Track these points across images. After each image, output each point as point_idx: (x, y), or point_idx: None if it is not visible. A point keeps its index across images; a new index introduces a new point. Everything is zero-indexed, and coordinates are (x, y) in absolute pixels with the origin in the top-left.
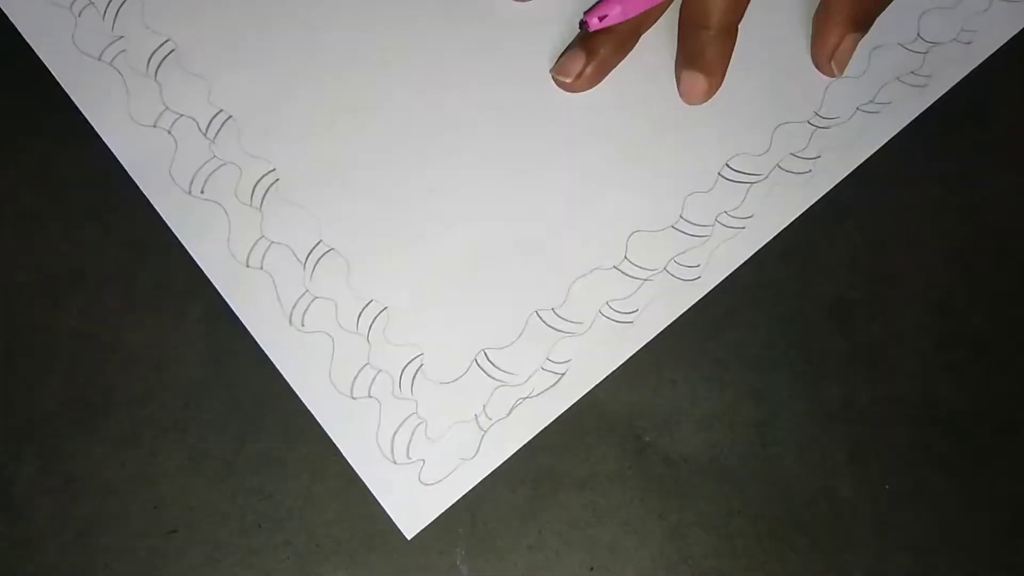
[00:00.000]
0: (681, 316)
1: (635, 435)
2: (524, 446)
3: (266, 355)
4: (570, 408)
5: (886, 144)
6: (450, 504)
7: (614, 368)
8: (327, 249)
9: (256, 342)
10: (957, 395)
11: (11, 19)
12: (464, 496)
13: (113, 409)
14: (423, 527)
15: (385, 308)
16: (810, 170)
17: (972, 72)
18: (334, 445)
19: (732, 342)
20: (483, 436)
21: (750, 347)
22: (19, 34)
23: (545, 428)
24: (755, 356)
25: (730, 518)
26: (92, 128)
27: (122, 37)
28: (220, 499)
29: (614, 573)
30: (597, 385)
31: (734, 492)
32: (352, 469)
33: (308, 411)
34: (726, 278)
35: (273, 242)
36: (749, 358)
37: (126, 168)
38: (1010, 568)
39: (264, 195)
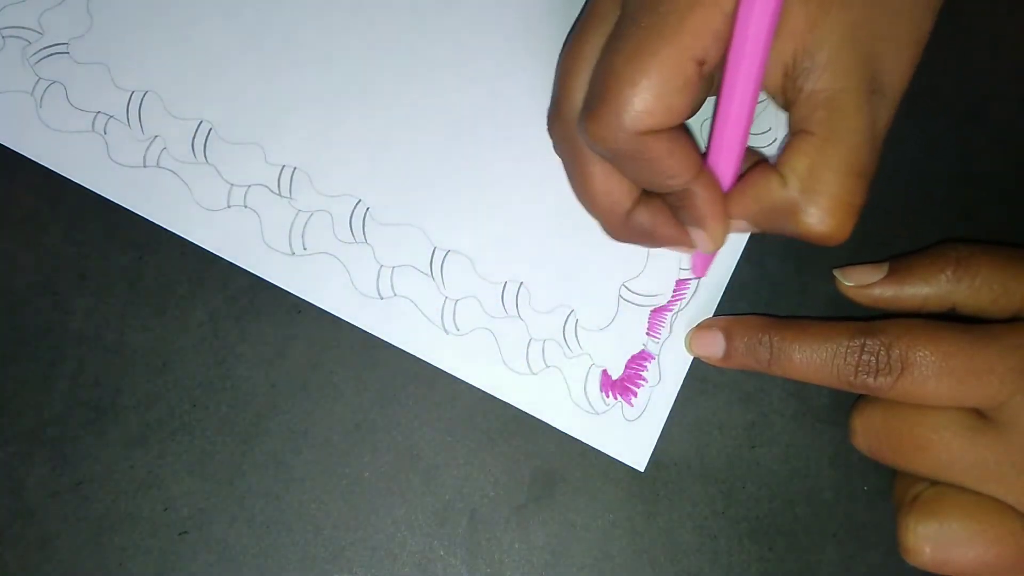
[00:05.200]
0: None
1: None
2: (521, 448)
3: (270, 355)
4: None
5: (885, 141)
6: (660, 429)
7: (740, 253)
8: (445, 252)
9: (261, 340)
10: None
11: (45, 165)
12: (463, 496)
13: (120, 411)
14: (648, 457)
15: (521, 283)
16: None
17: (970, 72)
18: (339, 446)
19: None
20: (659, 360)
21: None
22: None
23: (542, 431)
24: None
25: (714, 519)
26: None
27: (157, 136)
28: (228, 500)
29: (604, 571)
30: None
31: (720, 493)
32: (355, 470)
33: (312, 412)
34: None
35: (394, 267)
36: None
37: (221, 255)
38: None
39: (363, 227)
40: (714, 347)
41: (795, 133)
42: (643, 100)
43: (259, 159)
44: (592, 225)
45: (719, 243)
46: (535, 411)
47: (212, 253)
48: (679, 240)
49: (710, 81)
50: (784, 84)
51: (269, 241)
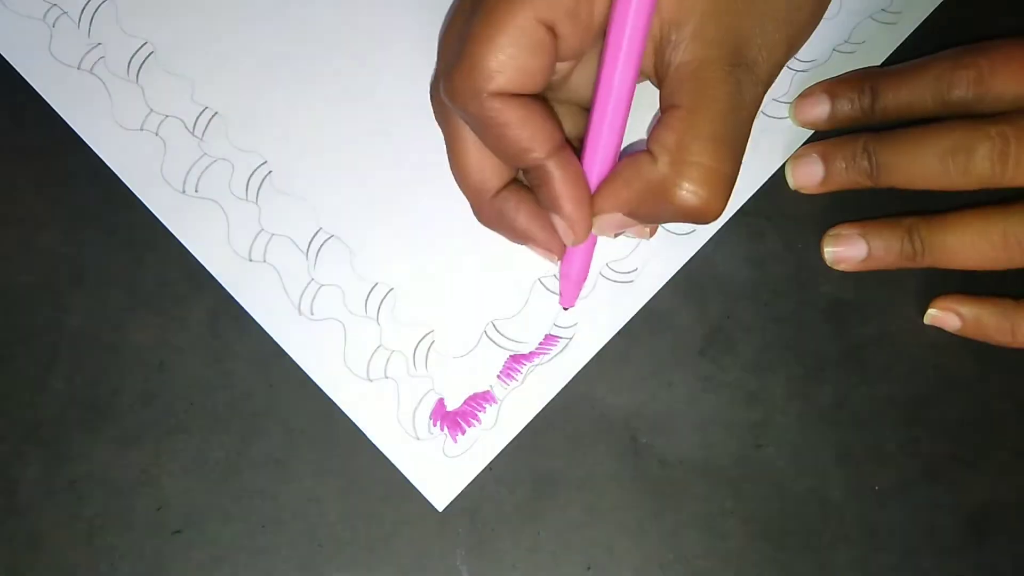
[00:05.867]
0: (678, 319)
1: (631, 437)
2: (523, 448)
3: (268, 355)
4: (568, 410)
5: None
6: (475, 474)
7: (618, 329)
8: (327, 236)
9: (260, 340)
10: (948, 397)
11: None
12: (464, 497)
13: (116, 410)
14: (452, 499)
15: (391, 289)
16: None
17: (942, 6)
18: (337, 446)
19: (728, 344)
20: (500, 405)
21: (746, 349)
22: None
23: (543, 430)
24: (751, 358)
25: (723, 519)
26: None
27: (100, 44)
28: (224, 500)
29: (610, 573)
30: (595, 386)
31: (727, 493)
32: (354, 470)
33: (309, 411)
34: (724, 281)
35: (273, 234)
36: (745, 360)
37: (117, 173)
38: (993, 569)
39: (259, 188)
40: (813, 174)
41: (664, 109)
42: (495, 58)
43: (186, 95)
44: (484, 252)
45: (579, 231)
46: (355, 417)
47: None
48: (539, 235)
49: (583, 62)
50: (655, 61)
51: (166, 174)
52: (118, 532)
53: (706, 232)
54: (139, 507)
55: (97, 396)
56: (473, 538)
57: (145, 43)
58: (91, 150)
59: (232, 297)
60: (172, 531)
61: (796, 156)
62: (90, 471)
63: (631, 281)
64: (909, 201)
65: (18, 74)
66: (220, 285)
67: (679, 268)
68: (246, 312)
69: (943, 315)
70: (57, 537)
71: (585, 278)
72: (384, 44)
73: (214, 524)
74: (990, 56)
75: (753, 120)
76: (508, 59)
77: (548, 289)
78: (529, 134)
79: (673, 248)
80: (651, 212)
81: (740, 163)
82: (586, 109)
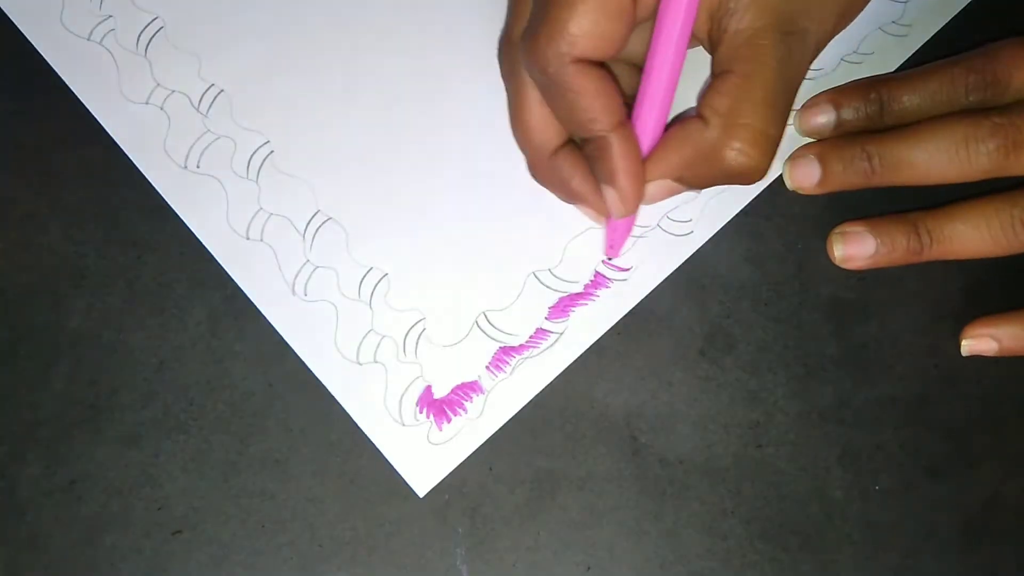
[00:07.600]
0: (677, 318)
1: (631, 436)
2: (523, 448)
3: (268, 355)
4: (568, 410)
5: None
6: (458, 463)
7: (609, 327)
8: (325, 219)
9: (260, 340)
10: (948, 396)
11: None
12: (464, 496)
13: (116, 410)
14: (433, 486)
15: (385, 274)
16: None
17: (952, 23)
18: (336, 446)
19: (728, 344)
20: (487, 396)
21: (746, 348)
22: (7, 18)
23: (543, 430)
24: (750, 358)
25: (724, 519)
26: (92, 126)
27: (111, 16)
28: (223, 500)
29: (610, 573)
30: (595, 386)
31: (728, 493)
32: (354, 470)
33: (310, 411)
34: (724, 281)
35: (272, 214)
36: (745, 360)
37: (121, 145)
38: (993, 569)
39: (260, 167)
40: (810, 175)
41: (716, 75)
42: (579, 24)
43: (193, 71)
44: (479, 243)
45: (630, 205)
46: (342, 399)
47: (211, 253)
48: (590, 196)
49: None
50: (710, 27)
51: (169, 148)
52: (118, 532)
53: (700, 233)
54: (139, 507)
55: (97, 396)
56: (473, 538)
57: (156, 18)
58: (91, 150)
59: (232, 297)
60: (172, 531)
61: (793, 157)
62: (90, 471)
63: (625, 280)
64: (909, 198)
65: (23, 73)
66: (220, 285)
67: (673, 269)
68: (246, 312)
69: (978, 343)
70: (57, 537)
71: (632, 228)
72: (390, 29)
73: (214, 524)
74: (1000, 58)
75: (799, 86)
76: (592, 25)
77: (542, 283)
78: (600, 104)
79: (668, 248)
80: (700, 176)
81: (785, 126)
82: (637, 67)
